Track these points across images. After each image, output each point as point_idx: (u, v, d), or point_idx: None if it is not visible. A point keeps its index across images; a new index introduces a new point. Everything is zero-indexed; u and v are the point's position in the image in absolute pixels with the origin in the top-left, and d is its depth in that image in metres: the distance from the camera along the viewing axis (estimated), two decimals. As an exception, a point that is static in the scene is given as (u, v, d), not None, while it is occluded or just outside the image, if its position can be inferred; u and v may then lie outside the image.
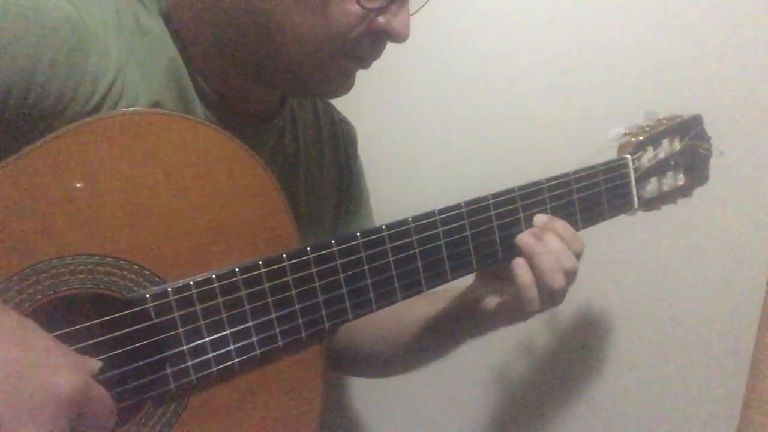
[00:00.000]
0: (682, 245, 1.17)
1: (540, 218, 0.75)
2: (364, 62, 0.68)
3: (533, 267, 0.72)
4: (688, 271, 1.18)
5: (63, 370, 0.45)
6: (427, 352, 0.88)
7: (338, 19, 0.61)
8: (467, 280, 0.79)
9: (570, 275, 0.73)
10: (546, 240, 0.73)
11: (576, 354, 1.24)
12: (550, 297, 0.73)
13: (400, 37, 0.65)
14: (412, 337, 0.85)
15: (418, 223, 0.69)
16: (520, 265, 0.73)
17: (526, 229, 0.75)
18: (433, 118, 1.13)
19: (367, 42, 0.65)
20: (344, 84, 0.70)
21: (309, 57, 0.64)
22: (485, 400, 1.26)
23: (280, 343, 0.64)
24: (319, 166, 0.86)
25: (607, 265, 1.17)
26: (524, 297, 0.72)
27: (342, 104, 0.92)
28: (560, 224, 0.75)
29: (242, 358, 0.62)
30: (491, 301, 0.77)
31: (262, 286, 0.62)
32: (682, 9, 1.08)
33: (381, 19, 0.63)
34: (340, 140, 0.90)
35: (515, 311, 0.75)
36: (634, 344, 1.23)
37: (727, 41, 1.08)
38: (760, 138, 1.10)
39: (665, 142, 0.87)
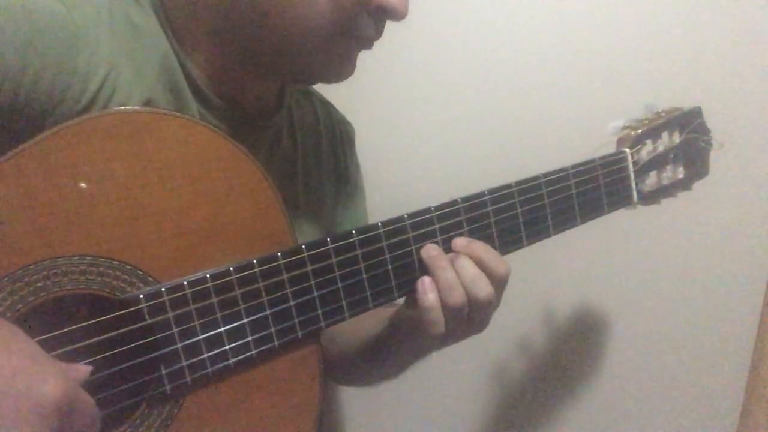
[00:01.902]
0: (682, 241, 1.17)
1: (457, 242, 0.70)
2: (365, 42, 0.67)
3: (437, 283, 0.67)
4: (687, 267, 1.18)
5: (49, 378, 0.44)
6: (376, 371, 0.86)
7: None
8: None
9: (483, 302, 0.67)
10: (458, 262, 0.68)
11: (575, 353, 1.23)
12: (453, 318, 0.67)
13: (397, 14, 0.63)
14: (360, 354, 0.84)
15: (413, 220, 0.69)
16: (423, 283, 0.68)
17: (524, 225, 0.75)
18: (430, 112, 1.12)
19: (365, 19, 0.64)
20: (346, 66, 0.68)
21: (309, 38, 0.63)
22: (484, 400, 1.26)
23: (275, 343, 0.63)
24: (318, 166, 0.86)
25: (605, 261, 1.17)
26: (424, 319, 0.67)
27: (338, 101, 0.91)
28: (480, 247, 0.69)
29: (238, 358, 0.61)
30: (410, 324, 0.73)
31: (256, 285, 0.61)
32: (681, 1, 1.07)
33: None
34: (338, 140, 0.90)
35: (425, 335, 0.69)
36: (634, 343, 1.22)
37: (726, 33, 1.07)
38: (761, 130, 1.09)
39: (665, 135, 0.87)
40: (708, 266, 1.17)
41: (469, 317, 0.68)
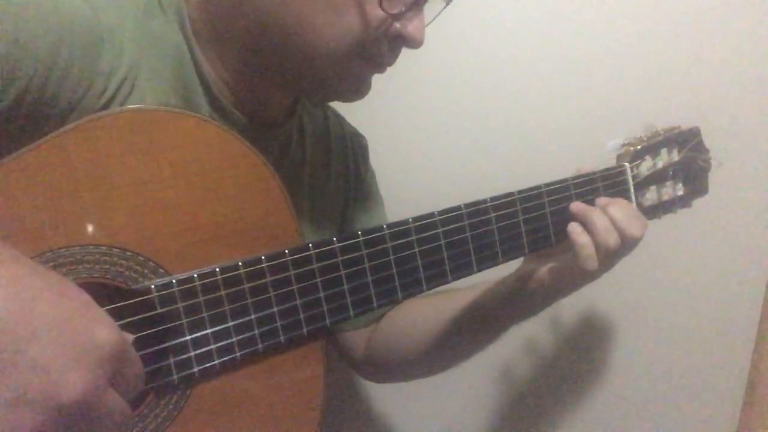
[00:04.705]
0: (684, 249, 1.18)
1: (600, 200, 0.80)
2: (381, 67, 0.71)
3: (588, 228, 0.76)
4: (689, 274, 1.18)
5: (105, 324, 0.46)
6: (473, 341, 0.89)
7: (360, 21, 0.64)
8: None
9: (631, 239, 0.76)
10: (611, 208, 0.77)
11: (578, 355, 1.23)
12: (606, 257, 0.75)
13: (415, 43, 0.67)
14: (454, 328, 0.86)
15: (418, 224, 0.70)
16: (575, 227, 0.77)
17: (526, 234, 0.76)
18: (436, 125, 1.14)
19: (385, 46, 0.67)
20: (361, 88, 0.72)
21: (330, 58, 0.66)
22: (488, 401, 1.26)
23: (281, 338, 0.64)
24: (325, 176, 0.88)
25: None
26: (581, 255, 0.75)
27: (347, 108, 0.93)
28: (622, 201, 0.79)
29: (244, 351, 0.63)
30: (545, 272, 0.79)
31: (264, 281, 0.63)
32: (680, 19, 1.10)
33: (397, 24, 0.66)
34: (349, 152, 0.92)
35: (572, 276, 0.78)
36: (635, 345, 1.23)
37: (726, 52, 1.09)
38: (760, 148, 1.11)
39: (663, 152, 0.88)
40: (708, 275, 1.18)
41: (617, 255, 0.77)
